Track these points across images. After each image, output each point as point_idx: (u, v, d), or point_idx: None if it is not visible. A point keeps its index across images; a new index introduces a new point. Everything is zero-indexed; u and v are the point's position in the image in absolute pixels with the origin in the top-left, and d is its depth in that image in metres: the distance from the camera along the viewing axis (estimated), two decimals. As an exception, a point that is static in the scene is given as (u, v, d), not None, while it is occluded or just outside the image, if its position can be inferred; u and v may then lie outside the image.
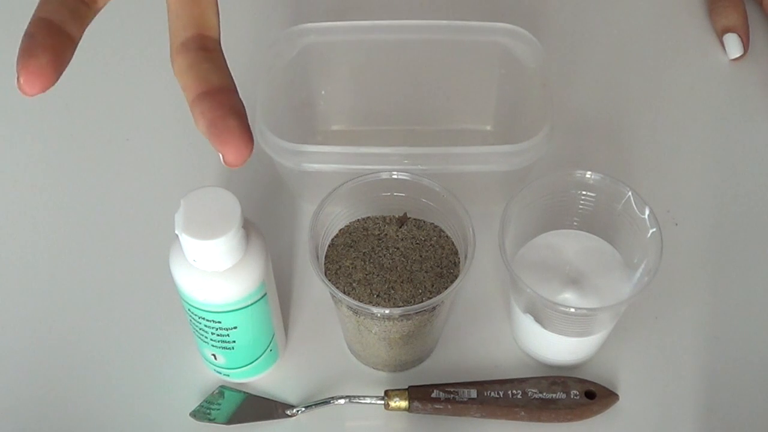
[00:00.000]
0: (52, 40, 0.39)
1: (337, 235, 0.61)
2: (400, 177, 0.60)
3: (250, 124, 0.43)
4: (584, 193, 0.60)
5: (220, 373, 0.60)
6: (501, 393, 0.59)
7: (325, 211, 0.59)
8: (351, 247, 0.60)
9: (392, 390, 0.59)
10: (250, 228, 0.53)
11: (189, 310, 0.55)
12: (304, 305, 0.65)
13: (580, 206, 0.60)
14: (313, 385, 0.61)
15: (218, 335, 0.56)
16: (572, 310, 0.55)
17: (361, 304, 0.55)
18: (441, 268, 0.59)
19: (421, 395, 0.58)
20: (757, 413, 0.60)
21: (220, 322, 0.55)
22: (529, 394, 0.59)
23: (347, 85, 0.73)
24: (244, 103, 0.43)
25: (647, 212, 0.57)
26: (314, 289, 0.65)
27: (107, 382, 0.62)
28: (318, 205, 0.58)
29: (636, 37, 0.81)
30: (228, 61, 0.81)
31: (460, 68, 0.72)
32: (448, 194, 0.59)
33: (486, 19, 0.70)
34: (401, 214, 0.61)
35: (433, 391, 0.59)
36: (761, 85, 0.77)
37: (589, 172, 0.59)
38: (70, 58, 0.39)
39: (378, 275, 0.59)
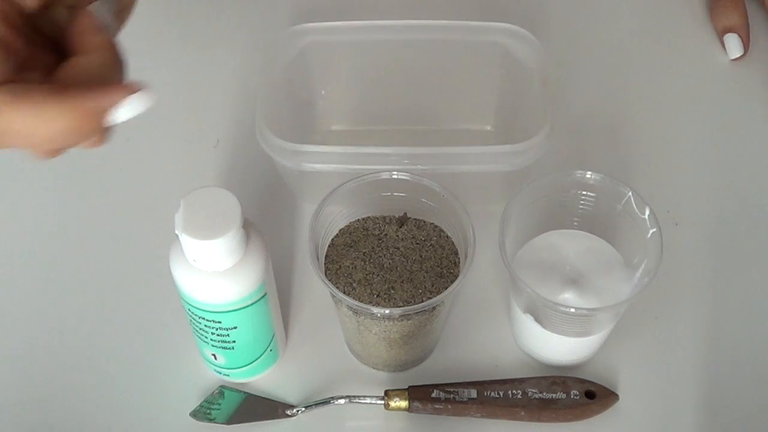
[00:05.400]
0: None
1: (337, 235, 0.61)
2: (400, 177, 0.60)
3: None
4: (584, 193, 0.60)
5: (220, 373, 0.60)
6: (501, 393, 0.59)
7: (325, 211, 0.59)
8: (351, 247, 0.60)
9: (392, 390, 0.59)
10: (250, 228, 0.53)
11: (189, 310, 0.55)
12: (304, 305, 0.65)
13: (580, 206, 0.60)
14: (313, 385, 0.61)
15: (218, 335, 0.56)
16: (572, 310, 0.55)
17: (361, 304, 0.55)
18: (441, 268, 0.59)
19: (421, 395, 0.58)
20: (757, 413, 0.60)
21: (220, 322, 0.55)
22: (529, 394, 0.59)
23: (347, 85, 0.73)
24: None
25: (647, 212, 0.57)
26: (314, 289, 0.65)
27: (107, 382, 0.62)
28: (318, 205, 0.58)
29: (636, 37, 0.81)
30: (229, 61, 0.81)
31: (460, 68, 0.72)
32: (448, 194, 0.58)
33: (486, 19, 0.70)
34: (401, 214, 0.61)
35: (433, 391, 0.59)
36: (761, 85, 0.77)
37: (589, 172, 0.59)
38: None
39: (378, 275, 0.59)
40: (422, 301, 0.57)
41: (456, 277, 0.58)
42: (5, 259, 0.68)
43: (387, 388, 0.59)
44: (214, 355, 0.58)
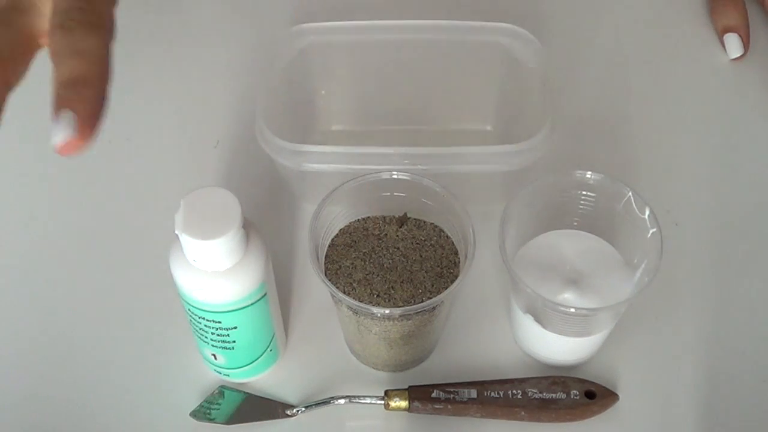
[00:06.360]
0: None
1: (337, 235, 0.61)
2: (400, 177, 0.60)
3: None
4: (584, 193, 0.60)
5: (220, 373, 0.60)
6: (501, 393, 0.59)
7: (325, 211, 0.59)
8: (351, 247, 0.60)
9: (392, 390, 0.59)
10: (250, 228, 0.53)
11: (189, 310, 0.55)
12: (304, 305, 0.65)
13: (580, 206, 0.60)
14: (313, 385, 0.61)
15: (218, 335, 0.56)
16: (572, 310, 0.55)
17: (361, 304, 0.55)
18: (441, 268, 0.59)
19: (421, 395, 0.58)
20: (757, 413, 0.60)
21: (220, 322, 0.55)
22: (529, 394, 0.59)
23: (347, 85, 0.73)
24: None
25: (647, 212, 0.57)
26: (314, 289, 0.65)
27: (107, 382, 0.62)
28: (318, 205, 0.58)
29: (636, 37, 0.81)
30: (229, 61, 0.82)
31: (460, 68, 0.72)
32: (448, 194, 0.59)
33: (486, 19, 0.70)
34: (401, 214, 0.61)
35: (433, 391, 0.59)
36: (761, 85, 0.77)
37: (589, 172, 0.59)
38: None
39: (378, 275, 0.59)
40: (422, 301, 0.57)
41: (456, 277, 0.58)
42: (5, 259, 0.68)
43: (387, 388, 0.59)
44: (214, 355, 0.58)
